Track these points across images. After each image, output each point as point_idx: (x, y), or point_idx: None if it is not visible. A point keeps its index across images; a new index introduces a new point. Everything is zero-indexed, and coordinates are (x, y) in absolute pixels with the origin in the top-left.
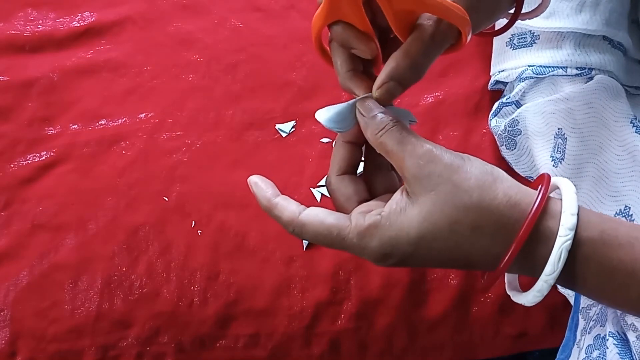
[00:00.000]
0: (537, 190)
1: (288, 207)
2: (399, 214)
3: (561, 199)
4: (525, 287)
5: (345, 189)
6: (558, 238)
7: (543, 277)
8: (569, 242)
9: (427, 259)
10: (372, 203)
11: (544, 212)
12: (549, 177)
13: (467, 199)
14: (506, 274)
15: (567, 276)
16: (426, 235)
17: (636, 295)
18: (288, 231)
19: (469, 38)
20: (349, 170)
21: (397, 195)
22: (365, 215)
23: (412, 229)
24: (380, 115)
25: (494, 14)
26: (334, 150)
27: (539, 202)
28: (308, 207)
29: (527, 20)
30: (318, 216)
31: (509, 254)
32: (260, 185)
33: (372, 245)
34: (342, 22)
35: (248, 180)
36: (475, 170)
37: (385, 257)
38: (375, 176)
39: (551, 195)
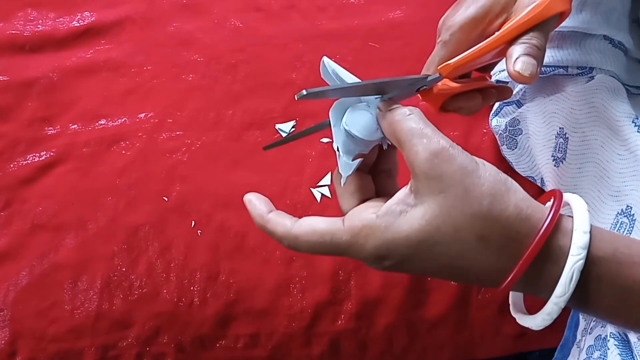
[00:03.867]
0: (548, 205)
1: (281, 221)
2: (397, 215)
3: (572, 216)
4: (530, 308)
5: (349, 185)
6: (570, 257)
7: (553, 299)
8: (582, 262)
9: (426, 264)
10: (369, 204)
11: (555, 229)
12: (561, 193)
13: (477, 207)
14: (511, 295)
15: (579, 297)
16: (427, 240)
17: None
18: (284, 246)
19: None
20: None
21: (400, 195)
22: (360, 215)
23: (412, 231)
24: (397, 106)
25: None
26: None
27: (552, 216)
28: (301, 217)
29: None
30: (310, 225)
31: (516, 270)
32: (254, 203)
33: (367, 247)
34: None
35: (243, 198)
36: (489, 177)
37: (380, 259)
38: (378, 178)
39: (561, 211)
